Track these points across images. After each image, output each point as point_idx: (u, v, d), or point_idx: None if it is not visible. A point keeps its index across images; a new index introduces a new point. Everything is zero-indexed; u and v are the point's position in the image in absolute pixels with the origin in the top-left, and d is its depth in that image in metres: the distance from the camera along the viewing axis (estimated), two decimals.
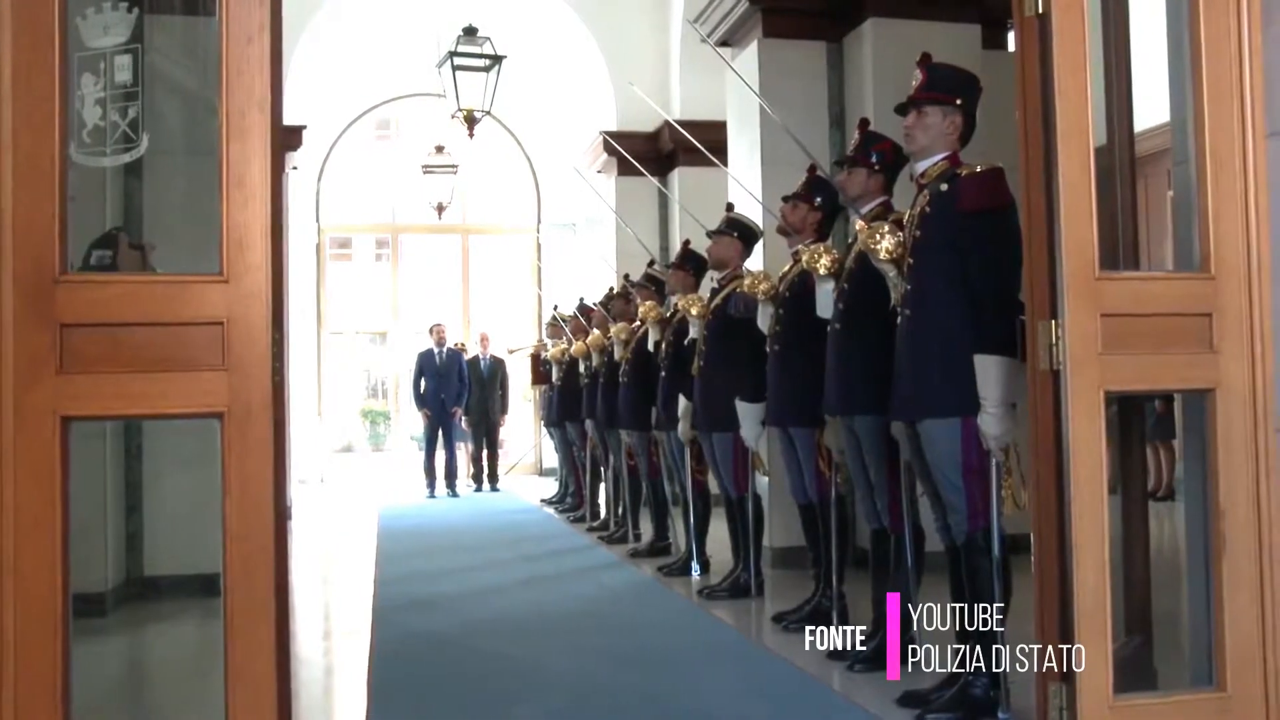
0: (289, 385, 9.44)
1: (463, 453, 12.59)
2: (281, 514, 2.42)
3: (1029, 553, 2.99)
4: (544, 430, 11.95)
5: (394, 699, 3.83)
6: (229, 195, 2.40)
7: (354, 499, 11.67)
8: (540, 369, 10.98)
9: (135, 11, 2.61)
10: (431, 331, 12.07)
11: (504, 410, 12.59)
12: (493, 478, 12.35)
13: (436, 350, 11.85)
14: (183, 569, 5.53)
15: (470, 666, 4.32)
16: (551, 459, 12.31)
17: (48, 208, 2.31)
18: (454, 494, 11.68)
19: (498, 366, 12.46)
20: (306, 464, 12.86)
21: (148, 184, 5.13)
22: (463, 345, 12.50)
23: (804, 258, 4.29)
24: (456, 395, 11.76)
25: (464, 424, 12.08)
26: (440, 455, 11.79)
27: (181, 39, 5.12)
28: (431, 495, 11.62)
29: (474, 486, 12.25)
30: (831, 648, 4.18)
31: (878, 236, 3.63)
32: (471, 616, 5.32)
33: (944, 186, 3.49)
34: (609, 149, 9.88)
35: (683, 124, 7.25)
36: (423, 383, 11.81)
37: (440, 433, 11.72)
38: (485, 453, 12.38)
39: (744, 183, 6.16)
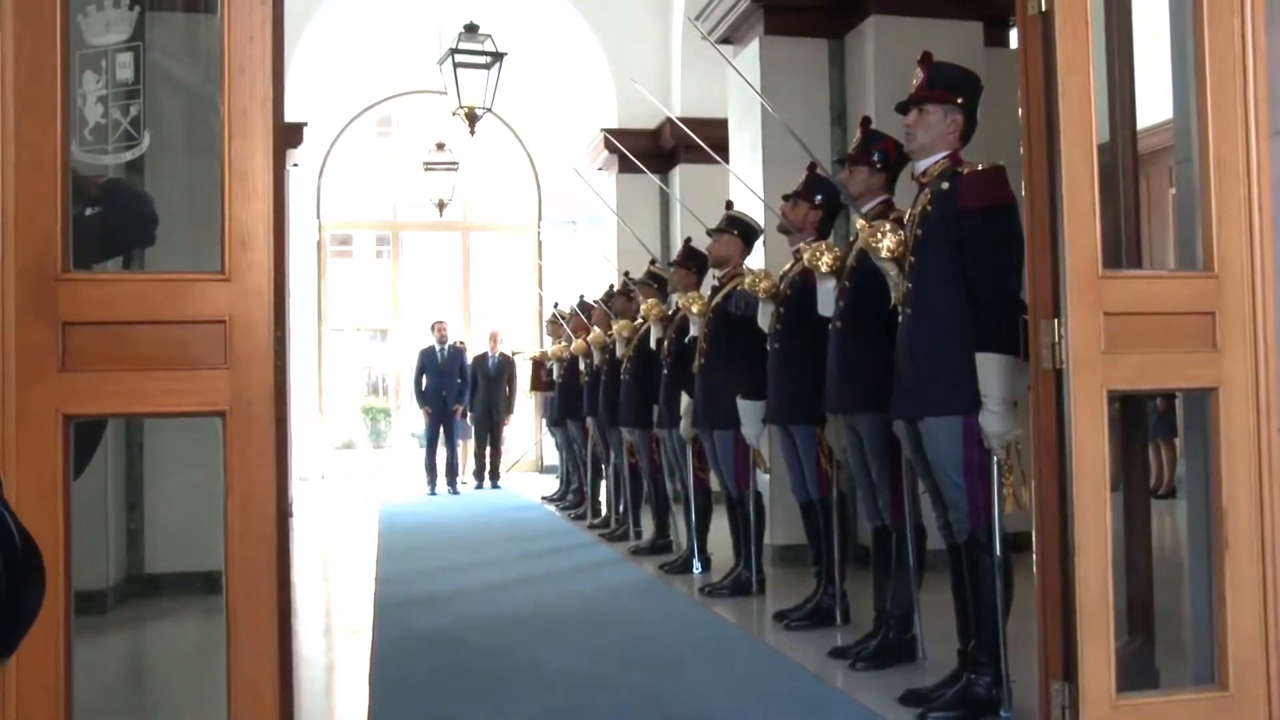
0: (289, 382, 9.45)
1: (465, 450, 12.61)
2: (283, 512, 2.42)
3: (1030, 551, 2.99)
4: (545, 428, 11.96)
5: (395, 697, 3.83)
6: (231, 193, 2.39)
7: (355, 496, 11.68)
8: (542, 376, 10.96)
9: (136, 9, 2.60)
10: (433, 329, 12.02)
11: (509, 410, 12.58)
12: (494, 475, 12.35)
13: (438, 347, 11.81)
14: (183, 566, 5.53)
15: (471, 664, 4.32)
16: (552, 456, 12.32)
17: (50, 205, 2.30)
18: (454, 491, 11.68)
19: (505, 365, 12.44)
20: (307, 461, 12.87)
21: (149, 181, 5.12)
22: (463, 343, 12.48)
23: (805, 256, 4.29)
24: (458, 392, 11.75)
25: (467, 420, 12.10)
26: (442, 452, 11.81)
27: (183, 36, 5.11)
28: (432, 492, 11.62)
29: (475, 484, 12.25)
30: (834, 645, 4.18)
31: (879, 235, 3.63)
32: (472, 614, 5.32)
33: (945, 185, 3.49)
34: (610, 146, 9.87)
35: (684, 121, 7.24)
36: (424, 380, 11.79)
37: (442, 430, 11.71)
38: (488, 450, 12.37)
39: (745, 180, 6.15)
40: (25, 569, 0.58)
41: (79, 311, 2.32)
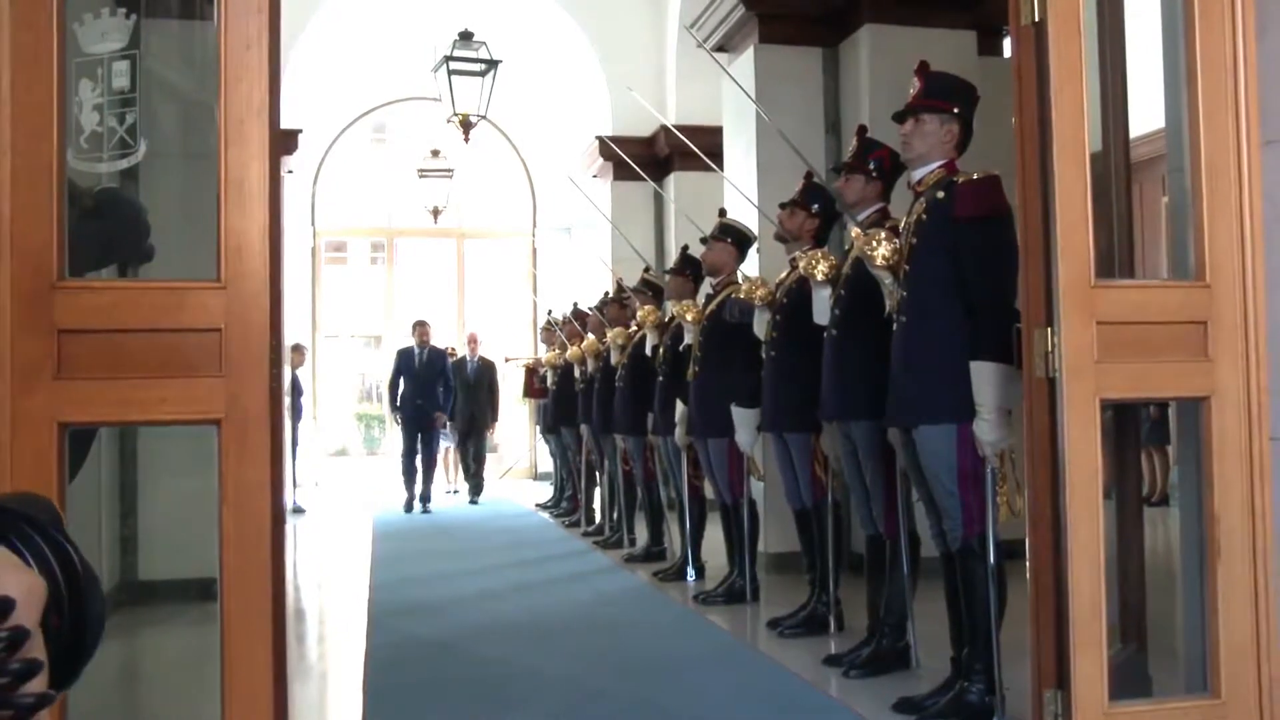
0: (285, 389, 9.41)
1: (446, 459, 12.07)
2: (279, 521, 2.42)
3: (1025, 558, 3.00)
4: (539, 435, 11.84)
5: (389, 704, 3.83)
6: (227, 201, 2.40)
7: (348, 502, 11.64)
8: (535, 383, 10.73)
9: (133, 17, 2.61)
10: (414, 329, 11.00)
11: (494, 417, 11.78)
12: (476, 489, 11.39)
13: (417, 350, 10.77)
14: (178, 573, 5.52)
15: (465, 671, 4.32)
16: (547, 463, 12.25)
17: (46, 214, 2.31)
18: (425, 510, 10.55)
19: (486, 369, 11.65)
20: (301, 467, 12.81)
21: (144, 188, 5.13)
22: (454, 350, 11.75)
23: (801, 264, 4.30)
24: (438, 400, 10.75)
25: (448, 429, 11.26)
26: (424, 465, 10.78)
27: (178, 43, 5.12)
28: (409, 510, 10.55)
29: (458, 495, 11.42)
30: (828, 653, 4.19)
31: (874, 243, 3.64)
32: (466, 621, 5.32)
33: (940, 194, 3.51)
34: (605, 153, 9.89)
35: (679, 129, 7.25)
36: (400, 384, 10.78)
37: (420, 441, 10.65)
38: (471, 461, 11.50)
39: (740, 187, 6.16)
40: (91, 601, 0.60)
41: (75, 320, 2.32)
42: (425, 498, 10.63)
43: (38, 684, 0.56)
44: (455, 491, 11.66)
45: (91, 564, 0.63)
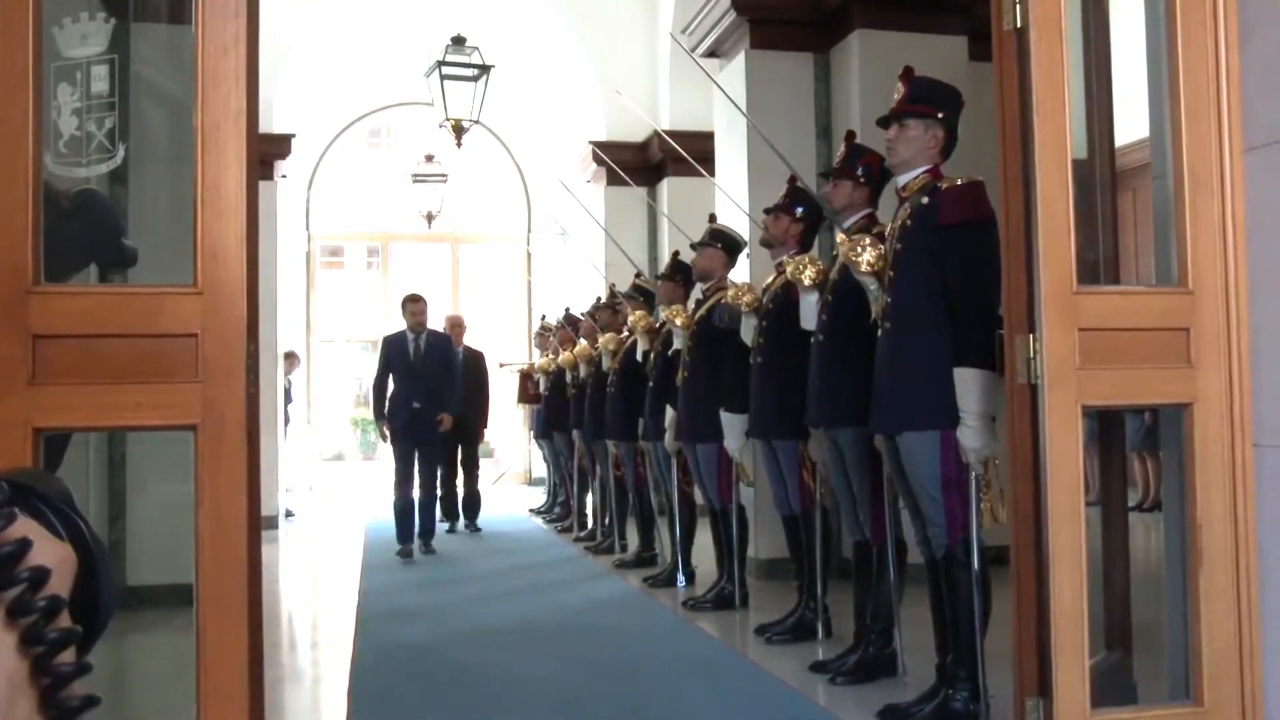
0: (279, 394, 9.41)
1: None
2: (255, 525, 2.41)
3: (1009, 565, 2.99)
4: (533, 440, 11.76)
5: (375, 709, 3.82)
6: (204, 207, 2.39)
7: (344, 508, 11.61)
8: (529, 389, 10.52)
9: (113, 21, 2.60)
10: (404, 307, 7.97)
11: (484, 420, 9.68)
12: (470, 512, 9.20)
13: (411, 336, 7.84)
14: (165, 578, 5.50)
15: (453, 677, 4.31)
16: (541, 468, 12.21)
17: (21, 218, 2.29)
18: (427, 549, 7.87)
19: (474, 362, 9.54)
20: (295, 472, 12.79)
21: (134, 193, 5.12)
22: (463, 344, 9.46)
23: (788, 269, 4.29)
24: (442, 401, 7.93)
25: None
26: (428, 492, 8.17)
27: (167, 47, 5.11)
28: (405, 555, 7.62)
29: (445, 525, 8.96)
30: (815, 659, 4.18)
31: (859, 249, 3.64)
32: (456, 627, 5.31)
33: (925, 199, 3.50)
34: (598, 159, 9.89)
35: (671, 134, 7.25)
36: (389, 383, 7.87)
37: (419, 457, 7.82)
38: (459, 477, 9.23)
39: (731, 193, 6.16)
40: (104, 577, 0.61)
41: (50, 324, 2.31)
42: (427, 532, 7.96)
43: (70, 654, 0.56)
44: (452, 529, 9.10)
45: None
